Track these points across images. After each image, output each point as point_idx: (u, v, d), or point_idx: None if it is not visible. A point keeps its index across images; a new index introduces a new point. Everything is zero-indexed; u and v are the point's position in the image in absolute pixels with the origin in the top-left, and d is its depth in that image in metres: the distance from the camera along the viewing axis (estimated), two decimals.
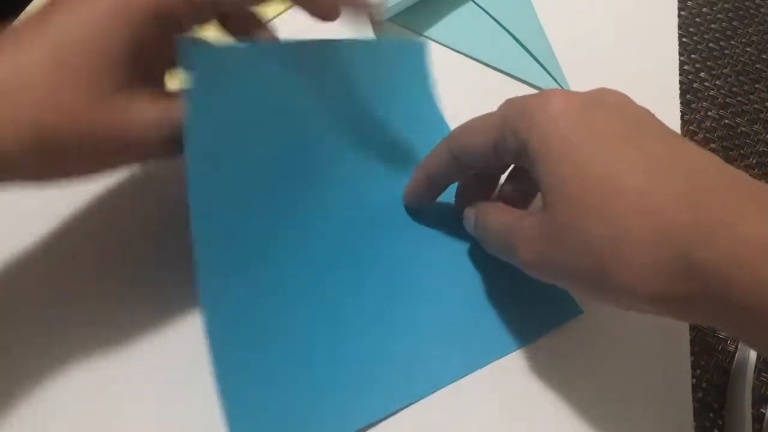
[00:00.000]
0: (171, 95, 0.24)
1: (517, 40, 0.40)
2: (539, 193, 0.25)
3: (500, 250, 0.27)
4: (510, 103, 0.26)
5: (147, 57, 0.23)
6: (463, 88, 0.38)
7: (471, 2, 0.42)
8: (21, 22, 0.23)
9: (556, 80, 0.39)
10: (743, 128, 0.40)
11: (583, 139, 0.23)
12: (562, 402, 0.29)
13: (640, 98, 0.39)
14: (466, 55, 0.40)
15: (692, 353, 0.31)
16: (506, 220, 0.27)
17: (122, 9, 0.22)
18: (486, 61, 0.39)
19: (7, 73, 0.21)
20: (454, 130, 0.29)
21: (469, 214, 0.30)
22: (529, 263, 0.25)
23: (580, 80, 0.39)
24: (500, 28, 0.41)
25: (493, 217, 0.28)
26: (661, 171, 0.22)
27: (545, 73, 0.39)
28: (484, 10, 0.41)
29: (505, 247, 0.27)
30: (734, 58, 0.42)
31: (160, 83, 0.26)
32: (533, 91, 0.39)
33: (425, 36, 0.40)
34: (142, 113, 0.23)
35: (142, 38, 0.23)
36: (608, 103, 0.25)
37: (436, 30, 0.40)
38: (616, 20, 0.42)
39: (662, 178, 0.22)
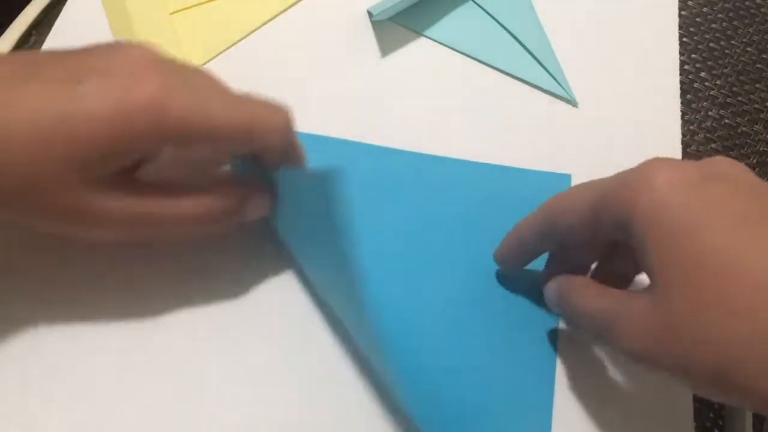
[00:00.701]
0: (140, 188, 0.25)
1: (516, 39, 0.40)
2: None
3: (592, 333, 0.25)
4: (616, 175, 0.25)
5: (127, 160, 0.24)
6: (463, 87, 0.38)
7: (471, 2, 0.42)
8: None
9: (556, 80, 0.39)
10: (744, 128, 0.40)
11: (702, 220, 0.21)
12: (562, 402, 0.29)
13: (641, 98, 0.39)
14: (465, 55, 0.40)
15: None
16: (601, 302, 0.25)
17: (120, 130, 0.23)
18: (486, 61, 0.39)
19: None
20: (554, 196, 0.27)
21: (551, 290, 0.28)
22: (637, 355, 0.22)
23: (580, 80, 0.39)
24: (500, 27, 0.41)
25: (581, 296, 0.26)
26: None
27: (545, 72, 0.39)
28: (484, 9, 0.41)
29: (599, 332, 0.24)
30: (735, 57, 0.42)
31: (128, 179, 0.25)
32: (533, 91, 0.39)
33: (425, 35, 0.40)
34: (106, 203, 0.24)
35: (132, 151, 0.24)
36: (726, 177, 0.22)
37: (435, 29, 0.40)
38: (616, 19, 0.42)
39: None
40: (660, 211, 0.22)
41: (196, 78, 0.25)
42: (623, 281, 0.28)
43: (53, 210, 0.23)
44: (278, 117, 0.26)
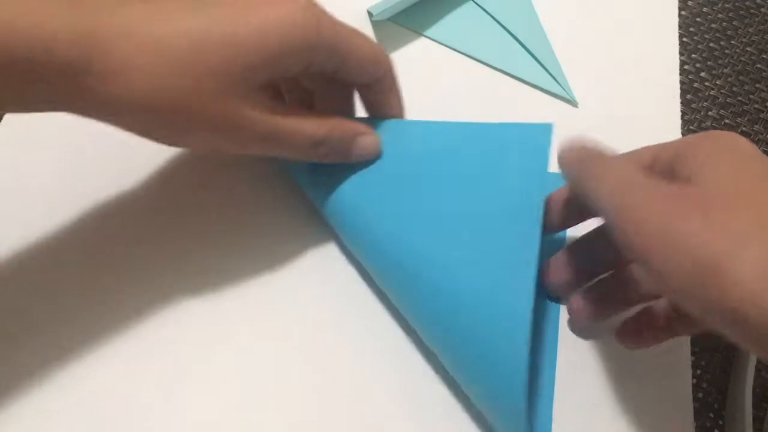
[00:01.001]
0: (277, 108, 0.26)
1: (517, 39, 0.40)
2: None
3: (603, 201, 0.24)
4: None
5: (279, 76, 0.25)
6: (463, 87, 0.38)
7: (471, 2, 0.42)
8: None
9: (556, 80, 0.39)
10: (744, 128, 0.40)
11: (757, 161, 0.22)
12: (562, 402, 0.29)
13: (641, 98, 0.39)
14: (466, 55, 0.40)
15: (693, 353, 0.31)
16: (623, 171, 0.24)
17: (290, 40, 0.24)
18: (486, 61, 0.39)
19: (161, 26, 0.22)
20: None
21: (571, 149, 0.27)
22: (637, 227, 0.21)
23: (580, 80, 0.39)
24: (500, 27, 0.41)
25: (616, 163, 0.25)
26: None
27: (545, 72, 0.39)
28: (484, 9, 0.41)
29: (612, 200, 0.23)
30: (735, 57, 0.42)
31: (275, 93, 0.29)
32: (533, 91, 0.39)
33: (425, 35, 0.40)
34: (251, 115, 0.25)
35: (288, 68, 0.25)
36: None
37: (435, 29, 0.40)
38: (616, 20, 0.42)
39: None
40: (726, 145, 0.23)
41: None
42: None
43: (208, 120, 0.24)
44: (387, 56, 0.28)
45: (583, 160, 0.26)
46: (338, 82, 0.28)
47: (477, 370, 0.26)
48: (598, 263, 0.29)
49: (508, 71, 0.39)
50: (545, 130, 0.29)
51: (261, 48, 0.24)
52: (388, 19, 0.40)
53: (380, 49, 0.28)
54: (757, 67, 0.42)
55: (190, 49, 0.22)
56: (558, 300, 0.31)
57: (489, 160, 0.29)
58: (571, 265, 0.30)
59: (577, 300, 0.29)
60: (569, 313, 0.30)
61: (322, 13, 0.25)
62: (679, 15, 0.43)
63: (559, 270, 0.30)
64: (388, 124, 0.31)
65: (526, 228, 0.26)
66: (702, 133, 0.24)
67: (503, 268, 0.26)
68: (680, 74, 0.40)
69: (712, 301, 0.20)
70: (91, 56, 0.21)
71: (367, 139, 0.29)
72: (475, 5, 0.41)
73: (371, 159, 0.29)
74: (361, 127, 0.29)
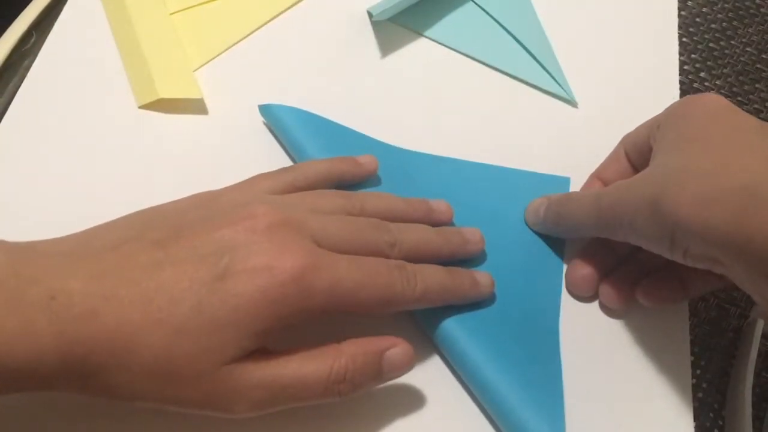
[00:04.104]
0: (275, 357, 0.23)
1: (516, 39, 0.40)
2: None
3: (583, 221, 0.30)
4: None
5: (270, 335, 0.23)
6: (463, 87, 0.38)
7: (471, 2, 0.42)
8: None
9: (555, 80, 0.39)
10: None
11: (721, 129, 0.26)
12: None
13: (640, 98, 0.39)
14: (465, 55, 0.40)
15: (692, 353, 0.31)
16: (582, 191, 0.34)
17: (278, 301, 0.22)
18: (486, 61, 0.39)
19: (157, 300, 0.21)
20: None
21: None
22: (603, 205, 0.28)
23: (579, 80, 0.39)
24: (500, 27, 0.41)
25: (573, 195, 0.33)
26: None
27: (545, 72, 0.39)
28: (483, 9, 0.41)
29: (587, 214, 0.30)
30: (734, 58, 0.42)
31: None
32: (533, 91, 0.39)
33: (425, 36, 0.40)
34: (244, 382, 0.23)
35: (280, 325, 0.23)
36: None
37: (435, 30, 0.40)
38: (616, 19, 0.42)
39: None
40: (677, 119, 0.28)
41: (325, 226, 0.25)
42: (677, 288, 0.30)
43: (191, 396, 0.22)
44: (412, 284, 0.26)
45: (549, 211, 0.31)
46: None
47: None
48: (614, 252, 0.32)
49: (507, 71, 0.39)
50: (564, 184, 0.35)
51: (235, 330, 0.22)
52: (388, 20, 0.40)
53: (399, 295, 0.25)
54: (756, 67, 0.42)
55: (157, 342, 0.21)
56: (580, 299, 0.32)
57: (510, 206, 0.33)
58: (590, 262, 0.32)
59: (606, 289, 0.31)
60: (603, 302, 0.31)
61: (316, 274, 0.23)
62: (679, 15, 0.43)
63: (581, 268, 0.31)
64: (404, 159, 0.34)
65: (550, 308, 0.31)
66: (668, 108, 0.30)
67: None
68: (680, 74, 0.40)
69: (666, 224, 0.24)
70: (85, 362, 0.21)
71: (397, 352, 0.25)
72: (475, 5, 0.42)
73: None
74: (387, 340, 0.25)
